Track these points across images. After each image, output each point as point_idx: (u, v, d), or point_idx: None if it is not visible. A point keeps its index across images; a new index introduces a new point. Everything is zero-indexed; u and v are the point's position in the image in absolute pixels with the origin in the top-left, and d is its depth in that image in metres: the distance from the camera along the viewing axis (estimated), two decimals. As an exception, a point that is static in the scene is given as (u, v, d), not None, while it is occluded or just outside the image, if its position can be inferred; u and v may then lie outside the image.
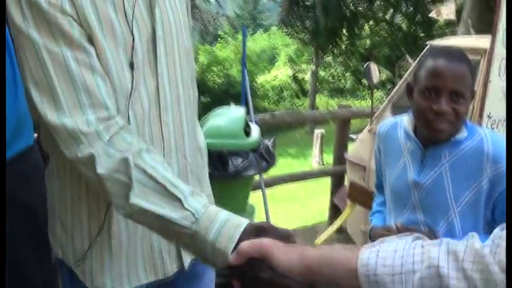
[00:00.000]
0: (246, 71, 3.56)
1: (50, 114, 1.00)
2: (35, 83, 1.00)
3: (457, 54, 1.55)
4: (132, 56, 1.09)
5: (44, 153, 1.30)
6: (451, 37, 3.75)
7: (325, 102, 22.15)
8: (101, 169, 0.99)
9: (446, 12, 3.55)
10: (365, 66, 3.51)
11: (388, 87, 20.36)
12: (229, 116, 3.06)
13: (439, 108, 1.49)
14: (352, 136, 4.55)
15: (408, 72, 3.46)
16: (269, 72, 23.91)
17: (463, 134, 1.57)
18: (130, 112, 1.11)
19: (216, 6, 18.03)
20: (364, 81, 18.42)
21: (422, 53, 3.42)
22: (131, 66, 1.09)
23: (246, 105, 3.59)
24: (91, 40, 1.03)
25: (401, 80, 3.46)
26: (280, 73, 23.46)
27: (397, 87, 3.51)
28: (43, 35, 0.98)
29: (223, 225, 0.93)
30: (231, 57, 21.34)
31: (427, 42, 3.39)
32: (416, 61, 3.28)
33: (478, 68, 2.82)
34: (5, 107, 1.43)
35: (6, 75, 1.48)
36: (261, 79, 22.94)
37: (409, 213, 1.66)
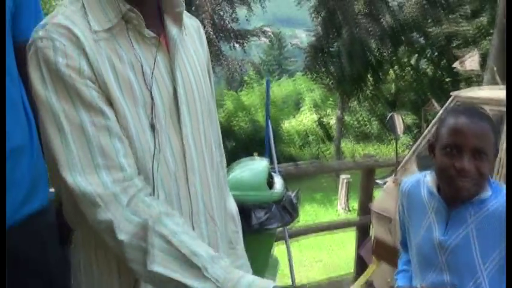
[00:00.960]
0: (269, 122, 3.58)
1: (66, 176, 1.01)
2: (52, 145, 1.02)
3: (479, 113, 1.54)
4: (152, 118, 1.08)
5: (62, 221, 1.30)
6: (476, 88, 3.73)
7: (350, 148, 22.02)
8: (121, 235, 0.98)
9: (469, 64, 3.54)
10: (388, 117, 3.50)
11: (414, 132, 20.22)
12: (252, 167, 3.06)
13: (462, 166, 1.47)
14: (379, 182, 4.49)
15: (433, 122, 3.44)
16: (294, 117, 24.02)
17: (487, 192, 1.54)
18: (157, 174, 1.09)
19: (242, 53, 18.37)
20: (390, 126, 18.26)
21: (446, 104, 3.42)
22: (152, 128, 1.08)
23: (270, 155, 3.59)
24: (110, 101, 1.04)
25: (426, 131, 3.44)
26: (305, 118, 23.53)
27: (421, 138, 3.48)
28: (61, 99, 1.00)
29: None
30: (257, 103, 21.55)
31: (452, 93, 3.37)
32: (439, 113, 3.27)
33: (503, 120, 2.78)
34: (5, 109, 1.41)
35: (23, 134, 1.50)
36: (286, 124, 23.04)
37: (436, 274, 1.62)
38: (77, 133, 1.01)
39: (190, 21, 1.31)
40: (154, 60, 1.11)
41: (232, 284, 0.94)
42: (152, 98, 1.09)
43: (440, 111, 3.37)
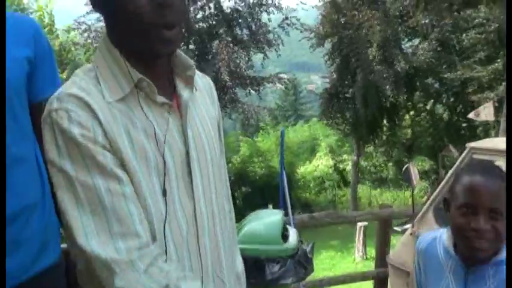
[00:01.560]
0: (284, 172, 3.58)
1: (83, 243, 1.01)
2: (67, 212, 1.03)
3: (494, 170, 1.52)
4: (164, 182, 1.09)
5: (72, 280, 1.29)
6: (492, 139, 3.70)
7: (367, 193, 21.82)
8: None
9: (485, 114, 3.52)
10: (404, 169, 3.48)
11: (432, 178, 20.01)
12: (266, 220, 3.03)
13: (478, 226, 1.45)
14: (397, 229, 4.41)
15: (450, 174, 3.40)
16: (310, 162, 23.99)
17: (504, 253, 1.50)
18: (168, 238, 1.10)
19: (258, 98, 18.57)
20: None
21: (462, 156, 3.38)
22: (164, 192, 1.09)
23: (285, 206, 3.56)
24: (124, 166, 1.05)
25: (443, 182, 3.39)
26: (321, 163, 23.48)
27: (438, 189, 3.44)
28: (76, 168, 1.02)
29: None
30: (272, 148, 21.61)
31: (467, 145, 3.34)
32: (455, 165, 3.24)
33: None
34: (5, 112, 1.42)
35: (35, 192, 1.51)
36: (301, 170, 22.99)
37: (455, 335, 1.57)
38: (93, 200, 1.02)
39: (201, 80, 1.33)
40: (167, 125, 1.13)
41: None
42: (165, 163, 1.10)
43: (457, 163, 3.33)
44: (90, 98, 1.05)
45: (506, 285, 1.44)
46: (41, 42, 1.57)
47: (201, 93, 1.29)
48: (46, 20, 13.53)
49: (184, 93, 1.19)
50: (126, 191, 1.04)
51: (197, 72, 1.31)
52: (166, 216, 1.09)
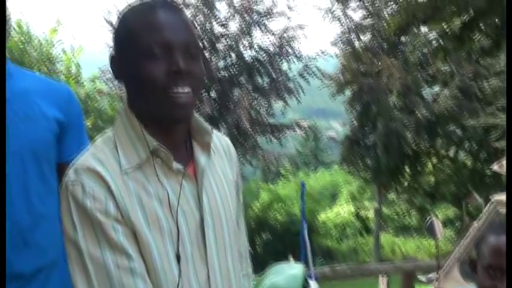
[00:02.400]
0: (305, 225, 3.55)
1: None
2: (77, 284, 1.05)
3: None
4: (178, 249, 1.10)
5: None
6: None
7: (390, 241, 21.38)
8: None
9: (509, 166, 3.47)
10: (428, 222, 3.43)
11: (456, 225, 19.56)
12: (287, 273, 3.00)
13: None
14: (421, 278, 4.28)
15: (476, 228, 3.33)
16: (331, 209, 23.73)
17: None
18: None
19: (278, 145, 18.61)
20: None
21: (486, 209, 3.32)
22: (177, 257, 1.10)
23: (306, 258, 3.51)
24: (136, 236, 1.07)
25: (467, 240, 3.32)
26: (342, 210, 23.22)
27: (462, 242, 3.36)
28: (88, 240, 1.04)
29: None
30: (293, 195, 21.48)
31: (492, 198, 3.29)
32: (481, 221, 3.18)
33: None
34: (5, 111, 1.43)
35: (57, 249, 1.52)
36: (322, 216, 22.72)
37: None
38: (101, 274, 1.04)
39: (219, 141, 1.34)
40: (179, 193, 1.14)
41: None
42: (178, 229, 1.11)
43: (482, 218, 3.27)
44: (105, 170, 1.09)
45: (507, 285, 1.40)
46: (73, 107, 1.64)
47: (219, 155, 1.31)
48: (73, 71, 13.94)
49: (201, 158, 1.21)
50: (134, 267, 1.05)
51: (216, 133, 1.33)
52: (179, 282, 1.10)
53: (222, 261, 1.19)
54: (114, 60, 1.17)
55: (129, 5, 1.17)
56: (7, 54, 1.58)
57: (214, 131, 1.33)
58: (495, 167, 3.27)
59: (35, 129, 1.51)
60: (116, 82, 15.51)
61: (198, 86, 1.15)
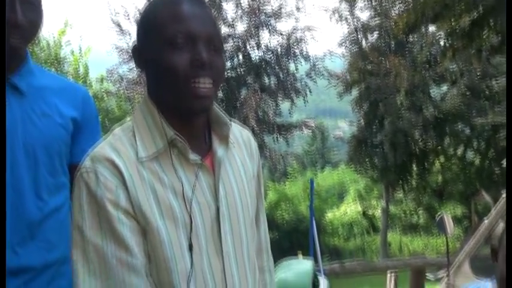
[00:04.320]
0: (313, 221, 3.55)
1: None
2: (77, 270, 1.06)
3: None
4: (190, 238, 1.10)
5: None
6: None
7: (397, 240, 21.32)
8: None
9: (519, 161, 3.45)
10: (438, 218, 3.41)
11: (465, 224, 19.48)
12: (296, 269, 3.00)
13: None
14: (430, 277, 4.27)
15: (486, 224, 3.32)
16: (338, 208, 23.70)
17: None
18: None
19: (285, 145, 18.61)
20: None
21: (497, 204, 3.32)
22: (190, 248, 1.10)
23: (315, 255, 3.52)
24: (143, 233, 1.07)
25: (479, 234, 3.31)
26: (349, 209, 23.19)
27: (474, 240, 3.35)
28: (92, 230, 1.05)
29: None
30: (300, 194, 21.48)
31: (503, 193, 3.28)
32: (492, 215, 3.18)
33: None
34: (5, 111, 1.45)
35: (67, 246, 1.55)
36: (329, 215, 22.69)
37: None
38: (101, 263, 1.05)
39: (240, 132, 1.34)
40: (194, 184, 1.14)
41: None
42: (191, 219, 1.11)
43: (493, 213, 3.26)
44: (120, 160, 1.09)
45: (507, 285, 1.39)
46: (89, 107, 1.67)
47: (239, 147, 1.30)
48: (81, 71, 14.01)
49: (219, 150, 1.20)
50: (134, 263, 1.05)
51: (237, 125, 1.33)
52: (191, 272, 1.10)
53: (238, 253, 1.19)
54: (137, 49, 1.18)
55: None
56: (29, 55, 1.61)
57: (236, 124, 1.34)
58: (505, 163, 3.26)
59: (50, 125, 1.53)
60: (123, 83, 15.58)
61: (218, 79, 1.15)
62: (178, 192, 1.11)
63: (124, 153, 1.11)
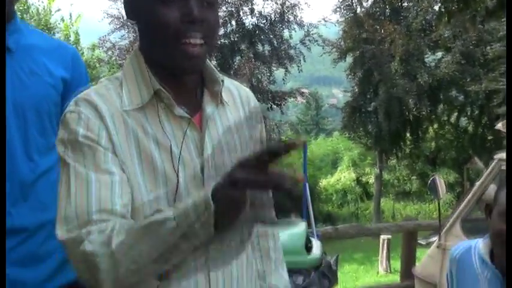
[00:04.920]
0: (307, 185, 3.57)
1: (59, 229, 1.03)
2: (60, 194, 1.05)
3: None
4: (174, 199, 1.06)
5: None
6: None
7: (390, 206, 21.58)
8: (88, 247, 0.96)
9: (512, 124, 3.45)
10: (430, 180, 3.43)
11: (457, 190, 19.71)
12: (289, 231, 3.02)
13: None
14: (421, 242, 4.33)
15: (477, 185, 3.34)
16: (332, 175, 23.86)
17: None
18: None
19: (279, 113, 18.59)
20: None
21: (490, 167, 3.34)
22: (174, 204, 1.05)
23: (308, 219, 3.55)
24: (124, 170, 1.05)
25: (470, 195, 3.34)
26: (343, 177, 23.36)
27: (465, 201, 3.38)
28: (76, 162, 1.04)
29: (197, 193, 0.93)
30: (294, 163, 21.58)
31: (495, 156, 3.29)
32: (484, 176, 3.19)
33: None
34: (5, 110, 1.45)
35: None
36: (324, 183, 22.85)
37: None
38: (81, 185, 1.02)
39: (239, 92, 1.28)
40: (182, 141, 1.10)
41: (183, 200, 0.96)
42: (178, 178, 1.07)
43: (484, 175, 3.28)
44: (103, 104, 1.07)
45: (506, 285, 1.41)
46: (79, 67, 1.64)
47: (234, 107, 1.24)
48: (72, 39, 13.82)
49: (208, 107, 1.16)
50: (114, 179, 1.03)
51: (238, 84, 1.28)
52: None
53: None
54: (128, 0, 1.15)
55: None
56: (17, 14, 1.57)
57: (237, 82, 1.29)
58: (499, 125, 3.25)
59: (39, 85, 1.51)
60: (116, 52, 15.41)
61: (212, 36, 1.11)
62: (163, 147, 1.07)
63: (108, 100, 1.08)
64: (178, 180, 1.07)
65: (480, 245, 1.61)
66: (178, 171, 1.07)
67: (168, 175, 1.07)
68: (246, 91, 1.30)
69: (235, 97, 1.25)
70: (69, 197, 1.03)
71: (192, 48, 1.06)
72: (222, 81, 1.19)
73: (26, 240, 1.48)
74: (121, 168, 1.05)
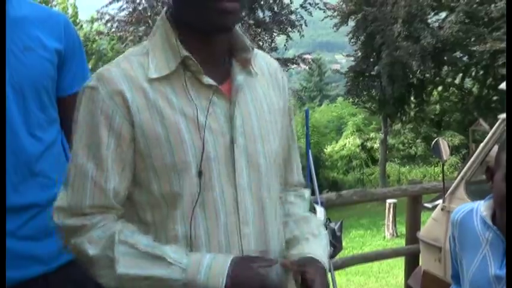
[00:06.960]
0: (310, 152, 3.55)
1: (57, 211, 1.12)
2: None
3: None
4: (201, 165, 1.07)
5: None
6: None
7: (396, 171, 21.63)
8: (91, 250, 1.06)
9: (517, 83, 3.39)
10: (433, 143, 3.40)
11: (462, 153, 19.71)
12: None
13: None
14: (427, 205, 4.33)
15: (482, 146, 3.31)
16: (337, 142, 23.89)
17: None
18: (199, 221, 1.08)
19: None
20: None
21: (495, 128, 3.29)
22: (199, 174, 1.07)
23: (311, 186, 3.53)
24: (146, 140, 1.07)
25: (473, 157, 3.31)
26: (348, 142, 23.38)
27: (469, 163, 3.35)
28: (81, 148, 1.09)
29: (211, 264, 1.02)
30: (298, 130, 21.56)
31: (499, 116, 3.24)
32: (489, 135, 3.15)
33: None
34: (5, 109, 1.43)
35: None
36: (329, 149, 22.88)
37: (491, 310, 1.52)
38: (79, 180, 1.09)
39: (267, 63, 1.26)
40: (208, 109, 1.09)
41: (196, 263, 1.03)
42: (203, 145, 1.07)
43: (489, 135, 3.24)
44: (124, 80, 1.07)
45: (506, 285, 1.39)
46: (71, 36, 1.58)
47: (263, 77, 1.22)
48: (70, 12, 13.69)
49: (238, 76, 1.13)
50: (107, 189, 1.08)
51: (264, 55, 1.27)
52: (198, 199, 1.07)
53: (254, 187, 1.13)
54: None
55: None
56: None
57: (264, 53, 1.27)
58: (502, 85, 3.18)
59: (34, 60, 1.47)
60: (115, 24, 15.22)
61: None
62: (189, 116, 1.07)
63: (129, 74, 1.08)
64: (203, 147, 1.07)
65: (482, 207, 1.59)
66: (204, 138, 1.07)
67: (197, 146, 1.07)
68: (275, 63, 1.29)
69: (263, 68, 1.24)
70: (67, 186, 1.10)
71: (227, 3, 1.05)
72: (252, 48, 1.16)
73: (38, 215, 1.48)
74: (128, 163, 1.09)
